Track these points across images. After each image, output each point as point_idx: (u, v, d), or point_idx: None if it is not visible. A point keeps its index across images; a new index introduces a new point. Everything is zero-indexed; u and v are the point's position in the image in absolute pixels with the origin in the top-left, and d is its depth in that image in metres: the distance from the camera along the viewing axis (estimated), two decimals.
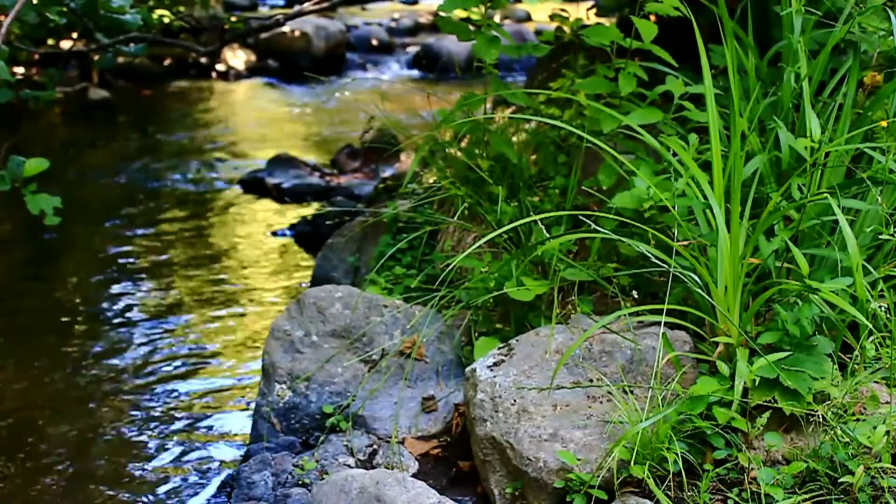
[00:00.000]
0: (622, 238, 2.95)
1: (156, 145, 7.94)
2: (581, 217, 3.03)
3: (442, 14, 3.84)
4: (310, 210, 6.18)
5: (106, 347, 4.40)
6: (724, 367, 2.62)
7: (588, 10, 4.88)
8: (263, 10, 12.38)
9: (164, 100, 9.61)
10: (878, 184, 2.89)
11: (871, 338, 2.63)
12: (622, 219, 2.99)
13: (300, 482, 3.01)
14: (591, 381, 2.80)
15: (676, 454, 2.47)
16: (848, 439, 2.45)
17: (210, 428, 3.74)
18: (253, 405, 3.53)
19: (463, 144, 3.93)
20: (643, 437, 2.48)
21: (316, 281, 4.48)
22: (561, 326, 3.02)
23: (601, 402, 2.75)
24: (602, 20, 4.58)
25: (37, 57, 7.26)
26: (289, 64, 10.56)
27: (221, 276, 5.23)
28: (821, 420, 2.54)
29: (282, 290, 5.04)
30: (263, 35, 10.45)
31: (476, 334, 3.31)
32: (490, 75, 3.83)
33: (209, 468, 3.46)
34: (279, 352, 3.37)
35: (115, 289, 5.06)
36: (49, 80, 5.50)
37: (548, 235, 3.20)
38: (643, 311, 2.84)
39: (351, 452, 3.10)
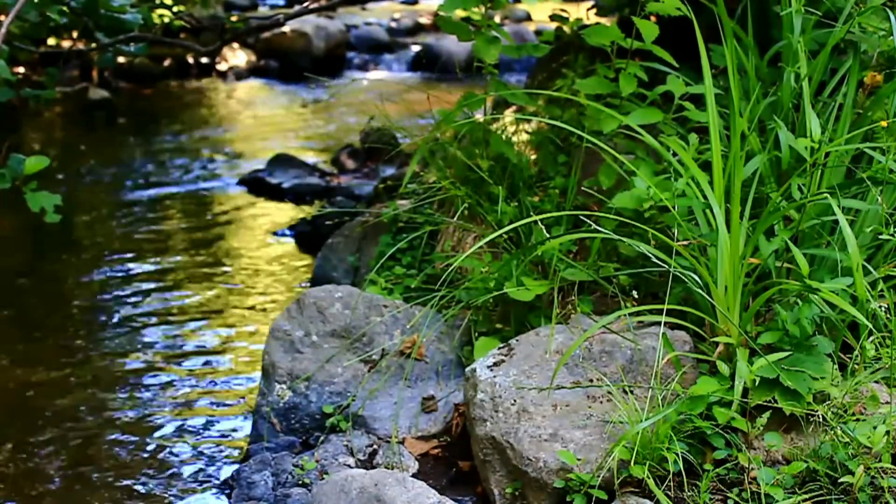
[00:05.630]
0: (622, 238, 2.95)
1: (156, 145, 7.94)
2: (581, 217, 3.03)
3: (442, 14, 3.84)
4: (310, 210, 6.18)
5: (105, 347, 4.40)
6: (724, 367, 2.62)
7: (588, 10, 4.88)
8: (263, 10, 12.37)
9: (164, 100, 9.61)
10: (878, 184, 2.89)
11: (871, 338, 2.63)
12: (622, 219, 2.99)
13: (300, 482, 3.01)
14: (591, 381, 2.81)
15: (676, 454, 2.47)
16: (848, 439, 2.45)
17: (210, 428, 3.74)
18: (253, 405, 3.53)
19: (463, 144, 3.93)
20: (643, 437, 2.49)
21: (316, 281, 4.48)
22: (561, 326, 3.02)
23: (601, 402, 2.75)
24: (602, 20, 4.59)
25: (37, 56, 7.26)
26: (289, 64, 10.55)
27: (221, 276, 5.23)
28: (821, 420, 2.54)
29: (282, 290, 5.04)
30: (263, 35, 10.45)
31: (476, 334, 3.31)
32: (490, 75, 3.83)
33: (209, 468, 3.46)
34: (279, 352, 3.37)
35: (115, 288, 5.05)
36: (49, 79, 5.49)
37: (548, 235, 3.20)
38: (643, 311, 2.84)
39: (351, 452, 3.10)
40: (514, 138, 4.08)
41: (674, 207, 2.94)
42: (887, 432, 2.38)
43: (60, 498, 3.30)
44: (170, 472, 3.44)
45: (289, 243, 5.73)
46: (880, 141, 3.02)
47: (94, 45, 5.87)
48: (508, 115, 4.34)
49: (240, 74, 10.64)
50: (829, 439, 2.50)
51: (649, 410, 2.58)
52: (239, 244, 5.73)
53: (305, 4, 6.83)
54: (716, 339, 2.73)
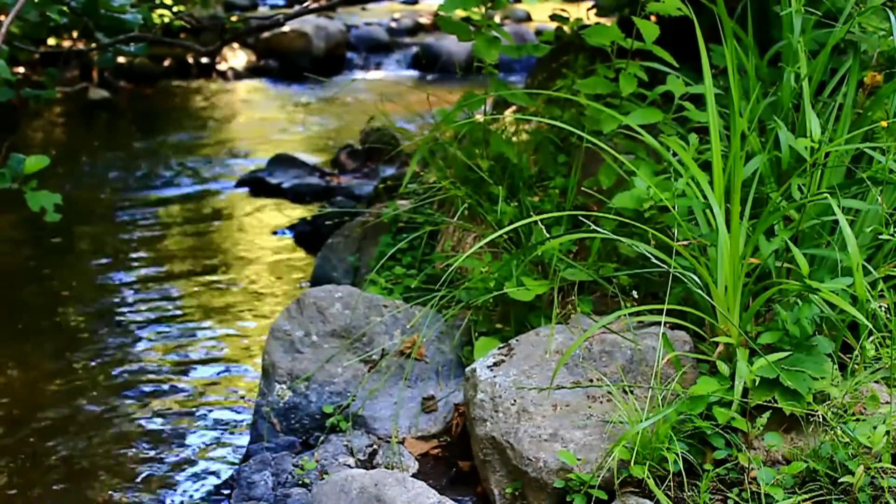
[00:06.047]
0: (622, 238, 2.95)
1: (156, 145, 7.95)
2: (581, 217, 3.03)
3: (442, 14, 3.84)
4: (310, 210, 6.18)
5: (105, 347, 4.40)
6: (724, 367, 2.62)
7: (588, 10, 4.88)
8: (263, 10, 12.37)
9: (164, 100, 9.61)
10: (878, 184, 2.89)
11: (871, 338, 2.63)
12: (622, 219, 2.99)
13: (300, 482, 3.01)
14: (591, 381, 2.80)
15: (676, 454, 2.47)
16: (848, 439, 2.45)
17: (210, 428, 3.74)
18: (253, 405, 3.53)
19: (463, 144, 3.93)
20: (643, 437, 2.48)
21: (316, 281, 4.48)
22: (561, 326, 3.02)
23: (601, 402, 2.75)
24: (602, 20, 4.59)
25: (37, 56, 7.26)
26: (289, 64, 10.55)
27: (221, 276, 5.23)
28: (821, 420, 2.54)
29: (282, 290, 5.04)
30: (263, 35, 10.46)
31: (476, 334, 3.31)
32: (490, 75, 3.83)
33: (209, 468, 3.46)
34: (279, 352, 3.37)
35: (114, 289, 5.06)
36: (49, 79, 5.50)
37: (548, 235, 3.20)
38: (643, 311, 2.84)
39: (351, 452, 3.10)
40: (514, 138, 4.08)
41: (674, 207, 2.94)
42: (887, 432, 2.38)
43: (61, 498, 3.31)
44: (170, 472, 3.44)
45: (289, 243, 5.74)
46: (880, 141, 3.02)
47: (94, 45, 5.88)
48: (508, 115, 4.34)
49: (240, 74, 10.64)
50: (829, 439, 2.50)
51: (649, 410, 2.58)
52: (239, 244, 5.73)
53: (305, 4, 6.83)
54: (716, 339, 2.73)
